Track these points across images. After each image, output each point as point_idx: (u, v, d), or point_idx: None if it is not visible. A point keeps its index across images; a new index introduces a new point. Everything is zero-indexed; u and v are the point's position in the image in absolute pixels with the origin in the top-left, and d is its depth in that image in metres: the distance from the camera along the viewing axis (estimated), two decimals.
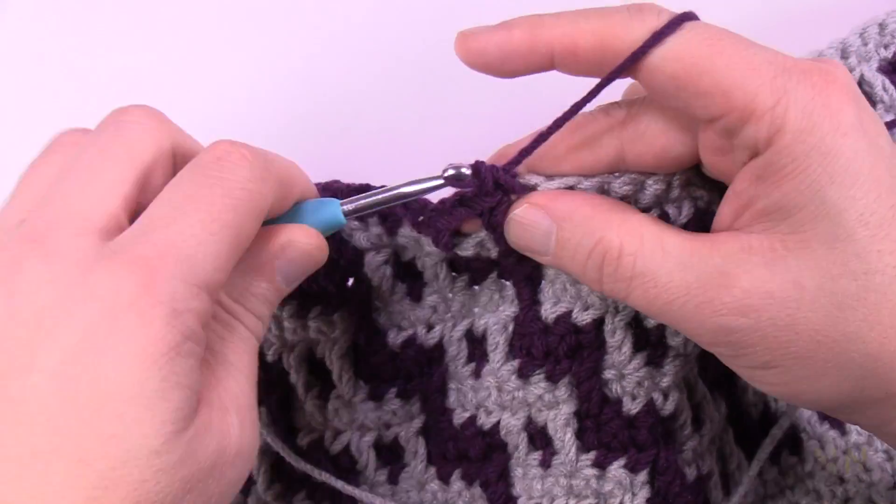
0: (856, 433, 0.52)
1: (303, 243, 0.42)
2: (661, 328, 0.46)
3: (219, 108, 0.66)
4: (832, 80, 0.39)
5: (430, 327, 0.49)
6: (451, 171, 0.43)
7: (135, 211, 0.39)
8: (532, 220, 0.43)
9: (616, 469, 0.47)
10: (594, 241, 0.42)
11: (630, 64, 0.40)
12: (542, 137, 0.43)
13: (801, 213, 0.38)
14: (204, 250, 0.37)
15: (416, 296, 0.48)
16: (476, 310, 0.48)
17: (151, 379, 0.35)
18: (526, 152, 0.43)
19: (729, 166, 0.41)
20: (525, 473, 0.48)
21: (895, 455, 0.51)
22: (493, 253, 0.46)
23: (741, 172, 0.40)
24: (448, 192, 0.45)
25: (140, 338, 0.35)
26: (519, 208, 0.43)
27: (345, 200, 0.44)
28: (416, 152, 0.60)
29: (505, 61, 0.42)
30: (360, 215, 0.45)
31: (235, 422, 0.38)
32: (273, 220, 0.42)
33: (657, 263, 0.40)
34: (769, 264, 0.39)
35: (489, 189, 0.43)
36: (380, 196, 0.44)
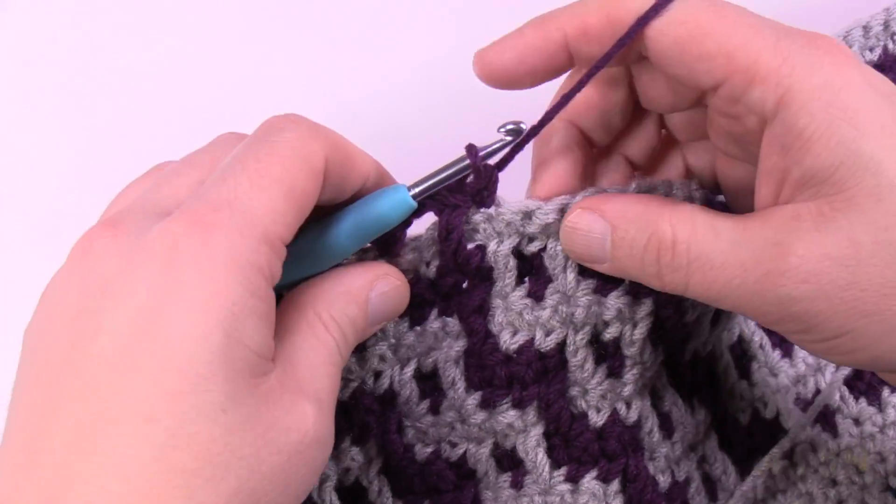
0: (847, 436, 0.52)
1: (396, 278, 0.43)
2: (617, 341, 0.46)
3: (219, 108, 0.66)
4: (834, 44, 0.40)
5: (377, 375, 0.48)
6: (510, 126, 0.44)
7: None
8: (587, 224, 0.43)
9: (589, 481, 0.47)
10: (647, 234, 0.42)
11: (641, 26, 0.40)
12: (563, 100, 0.44)
13: (839, 171, 0.38)
14: (257, 203, 0.37)
15: (359, 347, 0.47)
16: (418, 349, 0.47)
17: (214, 334, 0.35)
18: (546, 120, 0.44)
19: (741, 135, 0.42)
20: (497, 496, 0.47)
21: (888, 457, 0.51)
22: (431, 271, 0.45)
23: (764, 148, 0.40)
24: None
25: (201, 292, 0.35)
26: (571, 215, 0.44)
27: (411, 184, 0.44)
28: (416, 152, 0.59)
29: (522, 63, 0.42)
30: (429, 195, 0.44)
31: (310, 409, 0.38)
32: (340, 206, 0.43)
33: (710, 246, 0.40)
34: (820, 227, 0.39)
35: (482, 172, 0.44)
36: (445, 173, 0.44)
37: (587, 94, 0.45)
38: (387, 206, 0.43)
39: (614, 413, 0.47)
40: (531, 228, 0.45)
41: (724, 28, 0.39)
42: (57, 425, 0.35)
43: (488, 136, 0.44)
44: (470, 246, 0.45)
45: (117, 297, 0.36)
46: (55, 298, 0.38)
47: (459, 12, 0.68)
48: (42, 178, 0.65)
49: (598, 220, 0.43)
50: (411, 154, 0.54)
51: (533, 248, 0.45)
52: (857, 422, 0.53)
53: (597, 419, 0.47)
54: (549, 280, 0.45)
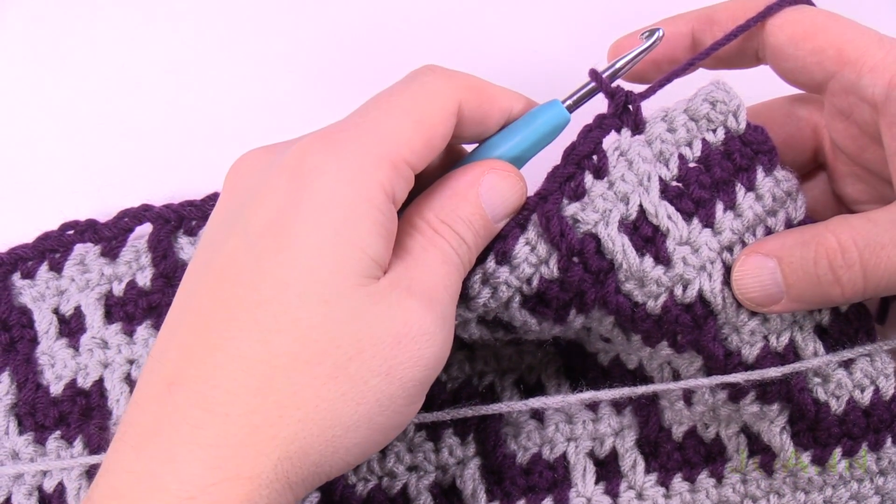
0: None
1: (505, 169, 0.45)
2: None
3: (219, 108, 0.66)
4: None
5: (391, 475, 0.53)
6: (647, 33, 0.47)
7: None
8: (755, 265, 0.46)
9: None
10: (813, 248, 0.44)
11: (762, 18, 0.46)
12: (674, 74, 0.48)
13: None
14: (384, 126, 0.41)
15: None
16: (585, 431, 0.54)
17: (325, 229, 0.38)
18: (659, 85, 0.48)
19: (854, 132, 0.47)
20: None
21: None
22: (554, 270, 0.46)
23: (885, 134, 0.44)
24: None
25: (321, 196, 0.39)
26: (737, 265, 0.46)
27: (564, 98, 0.47)
28: None
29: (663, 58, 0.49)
30: (585, 102, 0.47)
31: (416, 305, 0.40)
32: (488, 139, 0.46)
33: (873, 231, 0.44)
34: None
35: (619, 107, 0.47)
36: (595, 82, 0.47)
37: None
38: (540, 120, 0.45)
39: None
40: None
41: (834, 27, 0.45)
42: (189, 312, 0.40)
43: None
44: (578, 235, 0.46)
45: (252, 205, 0.40)
46: (216, 209, 0.44)
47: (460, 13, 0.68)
48: (42, 177, 0.65)
49: (763, 259, 0.46)
50: None
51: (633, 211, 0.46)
52: None
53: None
54: (665, 236, 0.46)
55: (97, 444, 0.56)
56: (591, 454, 0.54)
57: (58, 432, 0.56)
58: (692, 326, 0.47)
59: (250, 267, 0.39)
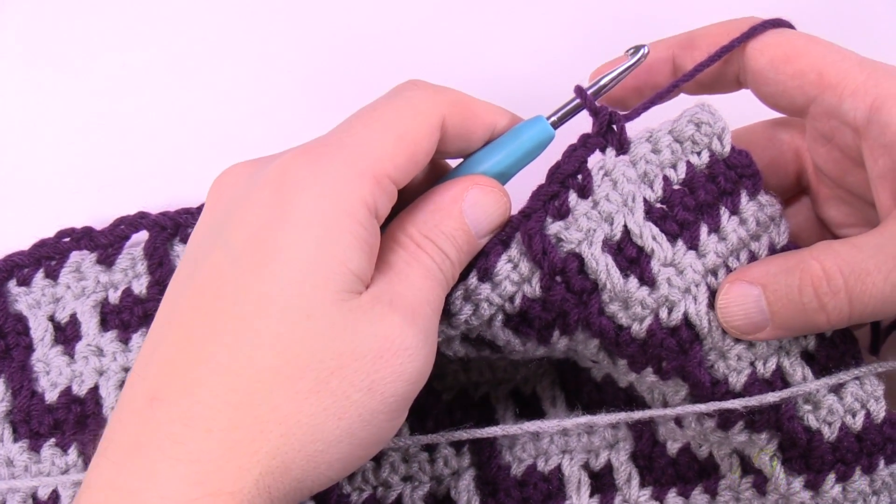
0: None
1: (484, 185, 0.44)
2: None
3: (219, 108, 0.66)
4: None
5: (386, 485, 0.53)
6: (632, 50, 0.47)
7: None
8: (740, 293, 0.45)
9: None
10: (797, 276, 0.44)
11: (747, 38, 0.46)
12: (657, 97, 0.48)
13: None
14: (366, 141, 0.41)
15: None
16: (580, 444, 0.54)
17: (305, 244, 0.38)
18: (643, 108, 0.47)
19: (836, 156, 0.47)
20: None
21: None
22: (536, 289, 0.46)
23: (867, 156, 0.44)
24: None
25: (302, 210, 0.39)
26: (721, 293, 0.46)
27: (549, 114, 0.46)
28: None
29: (643, 84, 0.49)
30: (569, 119, 0.47)
31: (399, 320, 0.40)
32: (472, 154, 0.46)
33: (858, 257, 0.43)
34: None
35: (602, 127, 0.46)
36: (580, 98, 0.47)
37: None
38: (525, 136, 0.45)
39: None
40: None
41: (815, 51, 0.45)
42: (171, 326, 0.40)
43: None
44: (561, 254, 0.46)
45: (235, 219, 0.40)
46: (199, 223, 0.44)
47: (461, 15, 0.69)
48: (42, 178, 0.65)
49: (748, 287, 0.45)
50: None
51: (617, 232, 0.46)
52: None
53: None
54: (649, 257, 0.46)
55: (91, 452, 0.56)
56: (586, 466, 0.54)
57: (52, 440, 0.56)
58: (677, 351, 0.47)
59: (232, 281, 0.39)
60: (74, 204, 0.63)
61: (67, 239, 0.59)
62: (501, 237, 0.46)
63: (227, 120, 0.66)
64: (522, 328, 0.47)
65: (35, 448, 0.56)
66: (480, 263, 0.46)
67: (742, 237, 0.47)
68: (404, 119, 0.42)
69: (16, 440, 0.56)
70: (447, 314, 0.46)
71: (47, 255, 0.59)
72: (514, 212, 0.46)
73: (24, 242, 0.60)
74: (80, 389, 0.57)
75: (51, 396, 0.57)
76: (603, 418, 0.50)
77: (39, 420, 0.56)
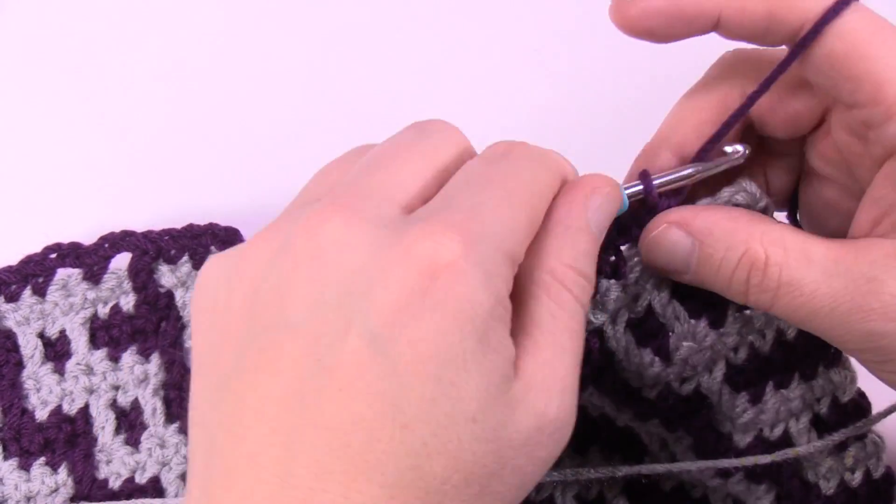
0: None
1: (602, 186, 0.41)
2: None
3: (220, 108, 0.66)
4: None
5: None
6: (730, 148, 0.44)
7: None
8: (673, 240, 0.43)
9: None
10: (739, 253, 0.42)
11: (815, 35, 0.40)
12: (723, 128, 0.44)
13: None
14: (505, 220, 0.37)
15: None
16: None
17: (468, 340, 0.34)
18: (710, 144, 0.44)
19: (857, 155, 0.42)
20: None
21: None
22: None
23: (879, 179, 0.41)
24: None
25: (458, 298, 0.34)
26: (657, 229, 0.43)
27: (626, 185, 0.43)
28: None
29: (669, 26, 0.42)
30: (642, 197, 0.44)
31: (555, 402, 0.37)
32: None
33: (802, 272, 0.41)
34: None
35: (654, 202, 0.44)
36: (667, 177, 0.44)
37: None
38: None
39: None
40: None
41: (879, 54, 0.39)
42: (310, 429, 0.34)
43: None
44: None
45: (368, 296, 0.34)
46: (301, 280, 0.35)
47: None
48: (42, 178, 0.65)
49: (683, 237, 0.43)
50: None
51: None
52: None
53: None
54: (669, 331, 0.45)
55: (81, 471, 0.57)
56: (578, 497, 0.53)
57: (42, 458, 0.57)
58: (686, 413, 0.47)
59: (384, 379, 0.34)
60: (75, 204, 0.63)
61: (54, 255, 0.59)
62: None
63: (227, 120, 0.66)
64: None
65: (25, 466, 0.57)
66: None
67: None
68: (533, 199, 0.38)
69: (6, 458, 0.57)
70: None
71: (33, 272, 0.58)
72: None
73: (25, 243, 0.59)
74: (71, 408, 0.57)
75: (41, 415, 0.57)
76: (611, 470, 0.49)
77: (30, 438, 0.57)
